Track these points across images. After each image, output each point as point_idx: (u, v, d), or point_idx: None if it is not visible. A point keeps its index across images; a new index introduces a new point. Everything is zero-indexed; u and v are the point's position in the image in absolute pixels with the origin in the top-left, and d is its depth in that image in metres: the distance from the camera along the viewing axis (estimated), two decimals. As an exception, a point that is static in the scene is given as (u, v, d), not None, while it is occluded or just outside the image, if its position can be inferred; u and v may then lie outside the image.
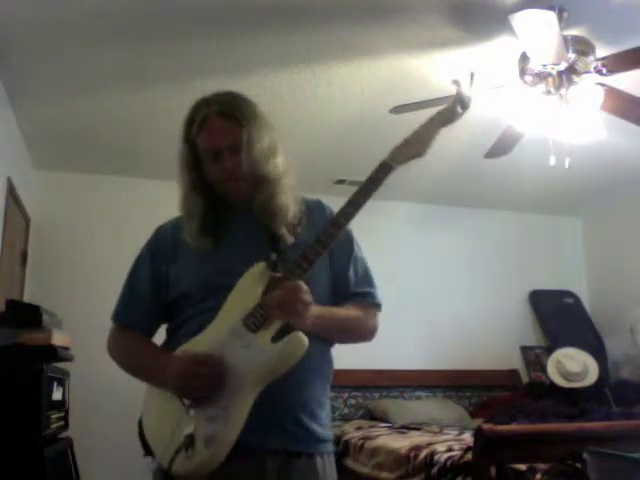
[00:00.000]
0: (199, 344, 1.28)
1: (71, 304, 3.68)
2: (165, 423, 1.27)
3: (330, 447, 1.38)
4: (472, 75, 1.36)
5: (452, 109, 1.35)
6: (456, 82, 1.36)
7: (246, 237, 1.39)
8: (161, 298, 1.43)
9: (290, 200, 1.38)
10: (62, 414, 2.71)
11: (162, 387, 1.30)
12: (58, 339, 2.58)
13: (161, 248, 1.45)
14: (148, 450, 1.30)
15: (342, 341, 1.45)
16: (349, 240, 1.48)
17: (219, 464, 1.20)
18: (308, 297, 1.22)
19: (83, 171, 4.25)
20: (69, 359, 2.79)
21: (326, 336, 1.38)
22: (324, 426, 1.36)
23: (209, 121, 1.35)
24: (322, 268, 1.39)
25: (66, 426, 2.77)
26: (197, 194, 1.39)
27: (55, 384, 2.55)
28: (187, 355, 1.26)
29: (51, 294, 3.73)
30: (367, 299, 1.46)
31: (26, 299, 3.64)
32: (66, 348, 2.74)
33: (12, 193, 3.40)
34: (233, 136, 1.34)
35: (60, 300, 3.56)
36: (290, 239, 1.35)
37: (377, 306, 1.48)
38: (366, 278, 1.48)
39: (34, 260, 3.99)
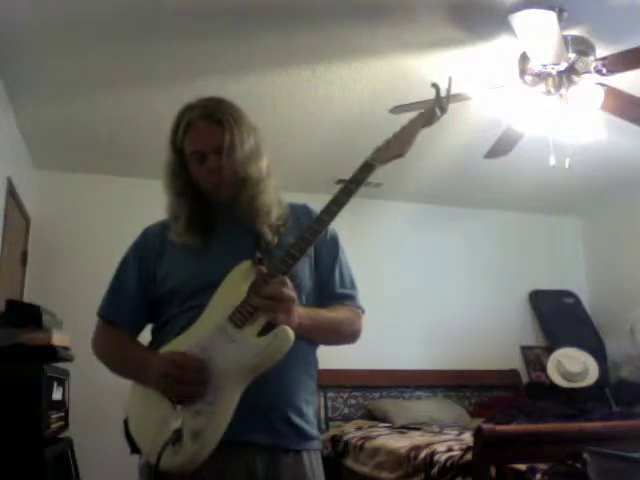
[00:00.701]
0: (184, 342, 1.29)
1: (71, 304, 3.67)
2: (152, 419, 1.27)
3: (317, 444, 1.40)
4: (450, 79, 1.39)
5: (431, 112, 1.39)
6: (435, 86, 1.40)
7: (232, 238, 1.41)
8: (147, 297, 1.44)
9: (273, 201, 1.41)
10: (62, 414, 2.71)
11: (146, 385, 1.31)
12: (58, 339, 2.59)
13: (149, 247, 1.47)
14: (134, 448, 1.31)
15: (327, 342, 1.46)
16: (335, 243, 1.51)
17: (206, 458, 1.20)
18: (294, 294, 1.24)
19: (83, 171, 4.25)
20: (69, 359, 2.79)
21: (311, 337, 1.39)
22: (311, 423, 1.38)
23: (193, 125, 1.39)
24: (306, 268, 1.42)
25: (66, 426, 2.77)
26: (183, 198, 1.42)
27: (55, 384, 2.55)
28: (169, 357, 1.27)
29: (51, 294, 3.73)
30: (351, 302, 1.48)
31: (26, 299, 3.64)
32: (66, 348, 2.74)
33: (12, 193, 3.40)
34: (217, 138, 1.36)
35: (60, 300, 3.56)
36: (272, 239, 1.38)
37: (360, 309, 1.50)
38: (350, 281, 1.51)
39: (34, 260, 3.99)
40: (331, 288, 1.46)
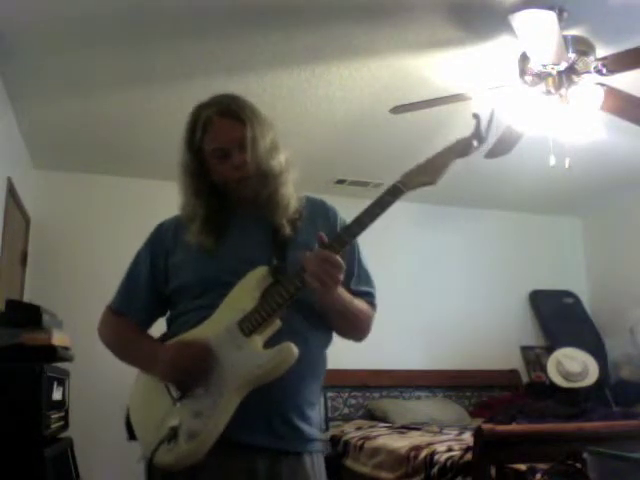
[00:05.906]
0: (195, 336, 1.31)
1: (71, 304, 3.68)
2: (152, 413, 1.29)
3: (319, 446, 1.39)
4: (492, 112, 1.35)
5: (468, 142, 1.35)
6: (476, 116, 1.35)
7: (247, 235, 1.41)
8: (158, 291, 1.45)
9: (292, 194, 1.42)
10: (62, 414, 2.70)
11: (150, 373, 1.33)
12: (58, 339, 2.58)
13: (162, 241, 1.48)
14: (132, 435, 1.33)
15: (343, 331, 1.45)
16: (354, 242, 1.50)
17: (202, 458, 1.21)
18: (336, 271, 1.23)
19: (83, 171, 4.25)
20: (69, 359, 2.79)
21: (336, 319, 1.38)
22: (313, 425, 1.38)
23: (213, 122, 1.38)
24: None
25: (66, 426, 2.77)
26: (200, 198, 1.41)
27: (55, 384, 2.55)
28: (178, 341, 1.31)
29: (51, 294, 3.73)
30: (368, 298, 1.47)
31: (26, 299, 3.64)
32: (66, 348, 2.74)
33: (12, 193, 3.40)
34: (239, 134, 1.36)
35: (60, 300, 3.56)
36: (290, 232, 1.38)
37: (375, 307, 1.50)
38: (367, 278, 1.50)
39: (34, 260, 3.99)
40: (349, 285, 1.44)
